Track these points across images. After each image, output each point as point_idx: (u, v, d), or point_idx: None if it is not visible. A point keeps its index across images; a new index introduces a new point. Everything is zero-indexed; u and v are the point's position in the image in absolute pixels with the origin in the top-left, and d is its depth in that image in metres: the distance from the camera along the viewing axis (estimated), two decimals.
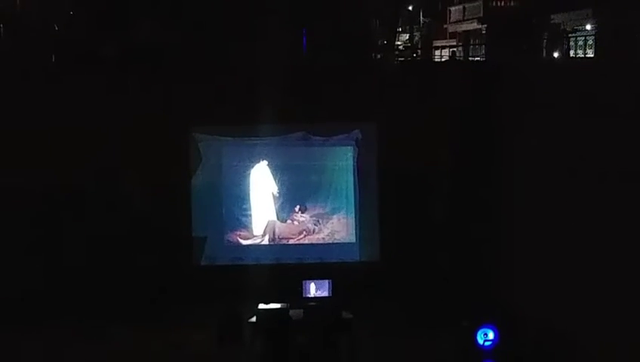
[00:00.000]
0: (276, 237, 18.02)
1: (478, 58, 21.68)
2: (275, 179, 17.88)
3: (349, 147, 17.94)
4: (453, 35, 27.96)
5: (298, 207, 17.93)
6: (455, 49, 25.42)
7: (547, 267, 13.85)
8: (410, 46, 30.44)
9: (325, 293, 14.36)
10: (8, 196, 16.75)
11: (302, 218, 17.96)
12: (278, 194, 17.88)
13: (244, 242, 17.97)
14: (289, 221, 17.99)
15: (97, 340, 14.43)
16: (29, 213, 16.84)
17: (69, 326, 14.88)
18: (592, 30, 23.59)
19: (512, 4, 28.65)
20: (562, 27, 24.38)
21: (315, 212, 17.96)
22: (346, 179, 17.97)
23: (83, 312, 15.42)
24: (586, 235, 12.93)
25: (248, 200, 17.90)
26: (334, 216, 17.99)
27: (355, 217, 17.94)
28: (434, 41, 29.31)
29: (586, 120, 13.53)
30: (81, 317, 15.24)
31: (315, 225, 18.01)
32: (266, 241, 18.02)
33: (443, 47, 26.60)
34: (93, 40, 20.16)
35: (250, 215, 17.92)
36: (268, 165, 17.87)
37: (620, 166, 12.65)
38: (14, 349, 13.94)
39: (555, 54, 23.05)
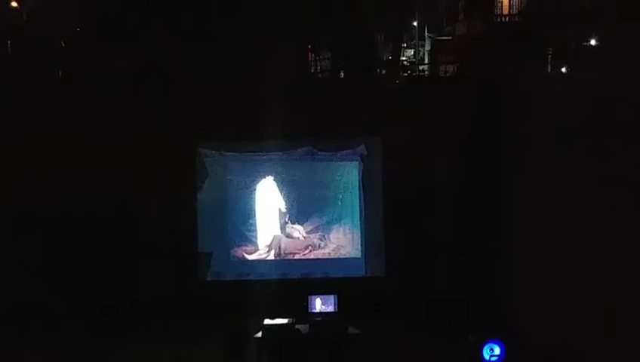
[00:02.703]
0: (282, 252, 18.04)
1: (483, 73, 21.74)
2: (281, 195, 17.92)
3: (354, 162, 17.97)
4: (458, 51, 28.00)
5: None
6: (460, 64, 25.47)
7: (553, 282, 13.84)
8: (415, 61, 30.53)
9: (331, 308, 14.35)
10: (15, 208, 16.83)
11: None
12: (285, 210, 17.91)
13: (249, 257, 17.99)
14: (288, 234, 18.01)
15: (103, 356, 14.45)
16: (34, 226, 16.90)
17: (75, 342, 14.90)
18: (596, 45, 23.68)
19: (516, 19, 28.73)
20: (567, 42, 24.44)
21: (321, 227, 17.97)
22: (351, 194, 17.98)
23: (88, 327, 15.44)
24: (593, 250, 12.92)
25: (254, 215, 17.93)
26: (340, 231, 18.00)
27: (361, 232, 17.95)
28: (439, 57, 29.38)
29: (594, 135, 13.55)
30: (86, 332, 15.26)
31: (320, 240, 18.03)
32: (271, 256, 18.04)
33: (448, 63, 26.63)
34: (99, 56, 20.25)
35: (256, 230, 17.95)
36: (274, 180, 17.92)
37: (629, 182, 12.65)
38: None
39: (562, 70, 23.11)
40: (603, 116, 13.52)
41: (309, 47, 22.83)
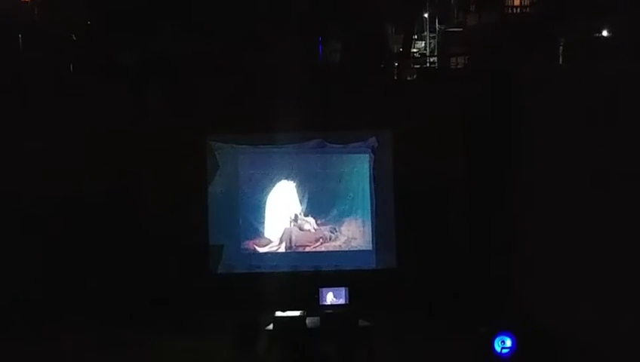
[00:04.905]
0: (293, 244, 18.05)
1: (494, 65, 21.64)
2: (292, 187, 17.89)
3: (365, 154, 17.95)
4: (469, 43, 27.90)
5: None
6: (471, 56, 25.35)
7: (565, 274, 13.80)
8: (426, 53, 30.43)
9: (342, 301, 14.33)
10: (26, 202, 16.90)
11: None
12: (296, 203, 17.90)
13: (260, 250, 18.01)
14: (300, 226, 18.01)
15: (114, 347, 14.49)
16: (48, 219, 16.96)
17: (86, 333, 14.97)
18: (608, 37, 23.55)
19: (527, 10, 28.59)
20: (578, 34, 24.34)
21: (332, 219, 17.96)
22: (362, 187, 17.98)
23: (100, 319, 15.49)
24: (605, 243, 12.88)
25: (265, 208, 17.93)
26: (351, 224, 17.99)
27: (372, 224, 17.94)
28: (449, 48, 29.26)
29: (606, 127, 13.48)
30: (98, 324, 15.31)
31: (331, 232, 18.03)
32: (282, 249, 18.05)
33: (458, 55, 26.52)
34: (110, 49, 20.28)
35: (267, 222, 17.95)
36: (285, 172, 17.89)
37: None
38: (33, 356, 14.04)
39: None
40: (615, 107, 13.46)
41: (320, 39, 22.75)
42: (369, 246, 17.98)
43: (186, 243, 17.24)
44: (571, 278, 13.56)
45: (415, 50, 29.14)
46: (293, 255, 18.03)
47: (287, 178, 17.95)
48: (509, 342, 11.83)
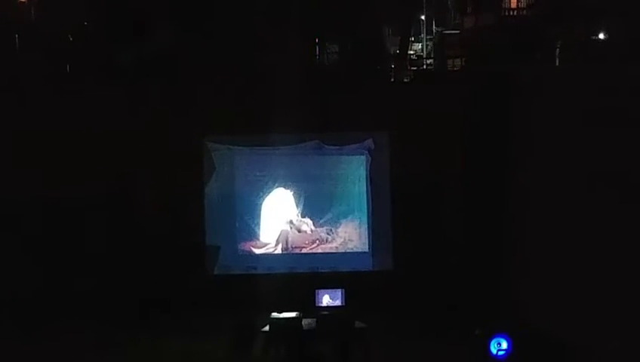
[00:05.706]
0: (289, 246, 18.05)
1: (491, 67, 21.65)
2: (289, 189, 17.91)
3: (361, 156, 17.96)
4: (466, 44, 27.91)
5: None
6: (468, 58, 25.36)
7: (561, 276, 13.82)
8: (423, 55, 30.44)
9: (338, 302, 14.35)
10: (24, 203, 16.91)
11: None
12: (293, 204, 17.91)
13: (257, 251, 18.02)
14: (298, 227, 18.02)
15: (111, 348, 14.51)
16: (46, 219, 16.97)
17: (83, 333, 14.98)
18: (604, 39, 23.60)
19: (524, 12, 28.63)
20: (574, 37, 24.39)
21: (329, 221, 17.97)
22: (358, 188, 17.99)
23: (97, 319, 15.51)
24: (602, 246, 12.90)
25: (261, 209, 17.94)
26: (347, 225, 18.00)
27: (368, 226, 17.94)
28: (446, 50, 29.28)
29: (602, 129, 13.50)
30: (96, 324, 15.33)
31: (328, 234, 18.03)
32: (279, 250, 18.06)
33: (455, 57, 26.54)
34: (107, 50, 20.29)
35: (264, 224, 17.96)
36: (282, 174, 17.88)
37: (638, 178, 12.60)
38: (31, 356, 14.05)
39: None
40: (611, 109, 13.48)
41: (317, 40, 22.79)
42: (365, 248, 17.99)
43: (183, 244, 17.25)
44: (567, 280, 13.58)
45: (412, 52, 29.16)
46: (290, 256, 18.04)
47: (283, 180, 17.95)
48: (504, 344, 11.87)
